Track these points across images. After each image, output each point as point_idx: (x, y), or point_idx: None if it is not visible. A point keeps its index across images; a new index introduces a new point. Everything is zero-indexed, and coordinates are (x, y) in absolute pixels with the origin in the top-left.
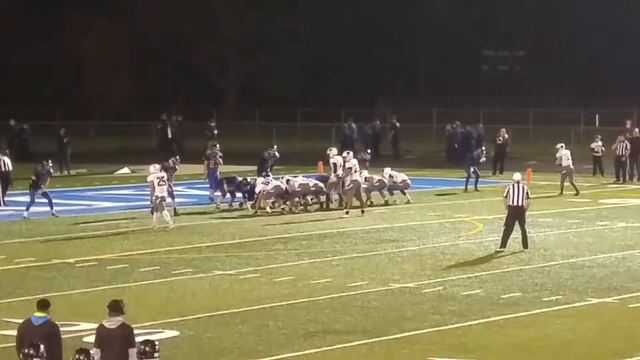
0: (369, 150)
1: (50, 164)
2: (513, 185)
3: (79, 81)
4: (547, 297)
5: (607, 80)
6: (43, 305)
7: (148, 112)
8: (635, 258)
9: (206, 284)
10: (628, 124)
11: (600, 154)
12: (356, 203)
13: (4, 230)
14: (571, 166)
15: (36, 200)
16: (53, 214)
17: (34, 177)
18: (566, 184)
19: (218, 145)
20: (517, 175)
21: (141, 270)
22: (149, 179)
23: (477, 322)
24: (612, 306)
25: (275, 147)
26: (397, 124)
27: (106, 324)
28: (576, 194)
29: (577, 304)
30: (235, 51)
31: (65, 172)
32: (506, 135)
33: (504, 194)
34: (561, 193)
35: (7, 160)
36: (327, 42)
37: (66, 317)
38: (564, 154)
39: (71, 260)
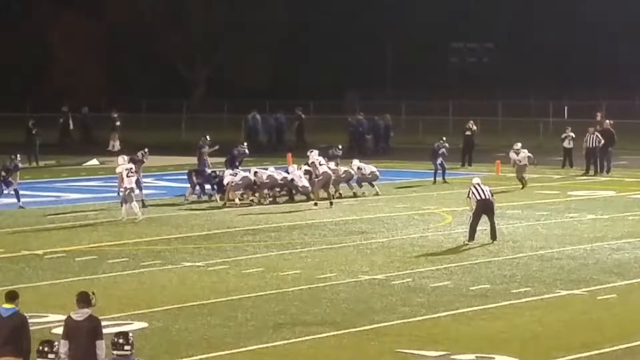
0: (339, 146)
1: (19, 159)
2: (475, 186)
3: (47, 73)
4: (516, 289)
5: (575, 73)
6: (11, 296)
7: (118, 103)
8: (603, 250)
9: (175, 275)
10: (598, 116)
11: (570, 146)
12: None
13: None
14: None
15: (4, 192)
16: (20, 206)
17: (3, 173)
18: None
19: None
20: (476, 179)
21: (110, 261)
22: (118, 170)
23: (445, 314)
24: (581, 298)
25: (245, 144)
26: (302, 115)
27: (74, 316)
28: (522, 188)
29: (545, 296)
30: (202, 43)
31: (34, 164)
32: (474, 127)
33: (467, 195)
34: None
35: None
36: (295, 34)
37: (35, 308)
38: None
39: (40, 252)
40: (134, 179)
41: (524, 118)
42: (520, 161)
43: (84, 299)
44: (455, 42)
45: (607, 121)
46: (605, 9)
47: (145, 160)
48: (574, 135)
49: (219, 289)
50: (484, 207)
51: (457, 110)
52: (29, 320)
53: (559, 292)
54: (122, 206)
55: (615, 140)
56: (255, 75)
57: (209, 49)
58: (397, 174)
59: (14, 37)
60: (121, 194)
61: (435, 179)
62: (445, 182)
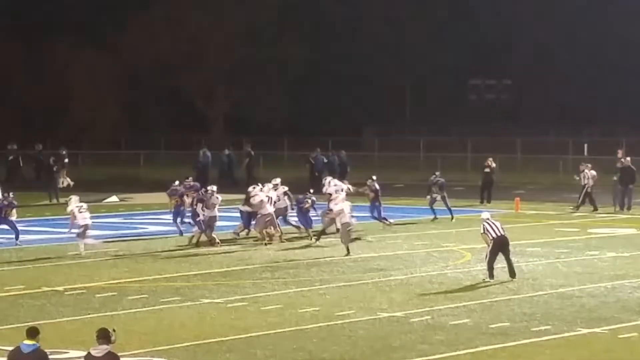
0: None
1: (12, 196)
2: (487, 221)
3: (67, 111)
4: (536, 327)
5: (595, 109)
6: (32, 332)
7: (137, 140)
8: (624, 288)
9: (194, 312)
10: (619, 154)
11: (586, 183)
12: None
13: None
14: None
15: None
16: (17, 244)
17: None
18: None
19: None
20: (485, 214)
21: (130, 298)
22: (69, 209)
23: (465, 351)
24: (602, 336)
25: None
26: (252, 152)
27: (93, 352)
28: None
29: (566, 334)
30: (221, 79)
31: (55, 201)
32: (493, 164)
33: (482, 231)
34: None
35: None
36: (315, 71)
37: (55, 344)
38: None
39: (60, 288)
40: (87, 215)
41: (543, 155)
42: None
43: (103, 336)
44: (474, 79)
45: (627, 158)
46: (626, 47)
47: (14, 203)
48: (594, 174)
49: (237, 325)
50: (501, 244)
51: (476, 147)
52: (50, 357)
53: (580, 331)
54: (80, 243)
55: (635, 178)
56: (274, 111)
57: (228, 85)
58: (414, 211)
59: (34, 75)
60: (75, 231)
61: (435, 216)
62: (436, 219)
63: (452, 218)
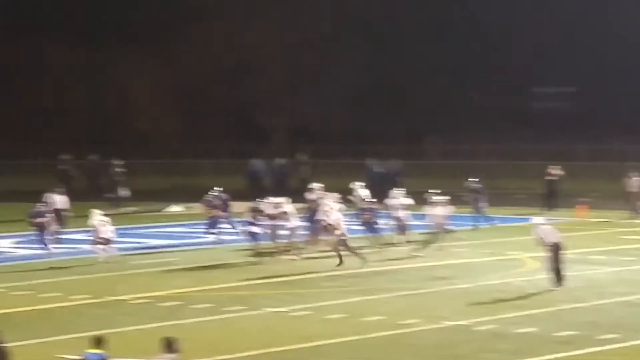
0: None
1: (41, 206)
2: (541, 228)
3: (129, 120)
4: (602, 336)
5: None
6: (98, 341)
7: (198, 150)
8: None
9: (258, 321)
10: None
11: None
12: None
13: (59, 267)
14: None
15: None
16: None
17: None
18: None
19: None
20: (537, 219)
21: (194, 307)
22: (93, 222)
23: None
24: None
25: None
26: (307, 161)
27: None
28: None
29: (633, 343)
30: (281, 88)
31: (117, 211)
32: (558, 172)
33: (537, 237)
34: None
35: (62, 198)
36: (375, 78)
37: (120, 353)
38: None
39: (125, 297)
40: (109, 227)
41: (606, 162)
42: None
43: (168, 345)
44: (538, 87)
45: None
46: None
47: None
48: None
49: (301, 334)
50: (556, 250)
51: (537, 155)
52: None
53: None
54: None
55: None
56: (334, 120)
57: (288, 95)
58: (478, 220)
59: (96, 86)
60: (99, 246)
61: (477, 224)
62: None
63: (476, 227)
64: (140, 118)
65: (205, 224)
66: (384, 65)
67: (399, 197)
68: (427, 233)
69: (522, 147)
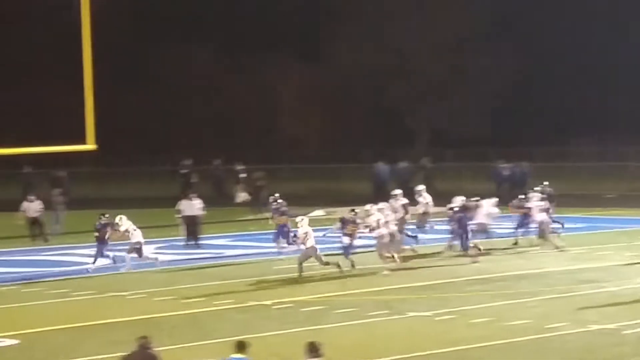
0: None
1: (107, 217)
2: None
3: (274, 125)
4: None
5: None
6: (241, 346)
7: (342, 154)
8: None
9: (402, 325)
10: None
11: None
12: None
13: (203, 272)
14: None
15: (105, 253)
16: (88, 270)
17: (95, 233)
18: None
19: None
20: None
21: (337, 312)
22: (123, 228)
23: None
24: None
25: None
26: (428, 165)
27: None
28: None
29: None
30: (426, 91)
31: (260, 216)
32: None
33: None
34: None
35: (199, 203)
36: (522, 80)
37: (262, 358)
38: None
39: (268, 302)
40: (139, 233)
41: None
42: None
43: (313, 349)
44: None
45: None
46: None
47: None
48: None
49: (446, 339)
50: None
51: None
52: None
53: None
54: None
55: None
56: (476, 123)
57: (435, 96)
58: (624, 222)
59: (244, 89)
60: (130, 254)
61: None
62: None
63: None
64: (287, 122)
65: (276, 233)
66: (528, 65)
67: (536, 200)
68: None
69: None
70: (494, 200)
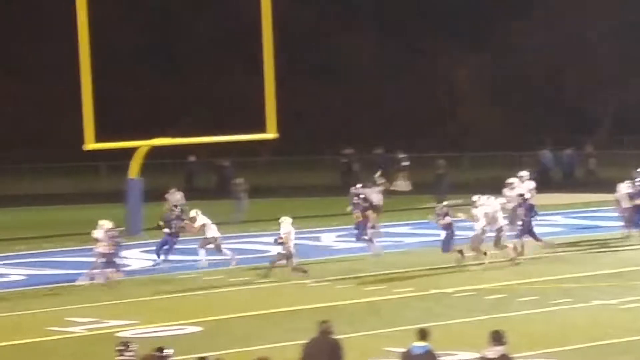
0: None
1: (179, 209)
2: None
3: (453, 113)
4: None
5: None
6: (423, 334)
7: (519, 143)
8: None
9: (585, 313)
10: None
11: None
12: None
13: (383, 261)
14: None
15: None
16: (157, 263)
17: (161, 223)
18: None
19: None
20: None
21: (519, 300)
22: (199, 223)
23: None
24: None
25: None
26: (592, 152)
27: (487, 354)
28: None
29: None
30: (607, 78)
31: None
32: None
33: None
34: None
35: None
36: None
37: (444, 346)
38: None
39: (449, 290)
40: (214, 227)
41: None
42: None
43: (497, 337)
44: None
45: None
46: None
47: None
48: None
49: (632, 327)
50: None
51: None
52: (440, 358)
53: None
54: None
55: None
56: None
57: (616, 83)
58: None
59: (420, 78)
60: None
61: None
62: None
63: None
64: (464, 110)
65: (357, 228)
66: None
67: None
68: None
69: None
70: None
